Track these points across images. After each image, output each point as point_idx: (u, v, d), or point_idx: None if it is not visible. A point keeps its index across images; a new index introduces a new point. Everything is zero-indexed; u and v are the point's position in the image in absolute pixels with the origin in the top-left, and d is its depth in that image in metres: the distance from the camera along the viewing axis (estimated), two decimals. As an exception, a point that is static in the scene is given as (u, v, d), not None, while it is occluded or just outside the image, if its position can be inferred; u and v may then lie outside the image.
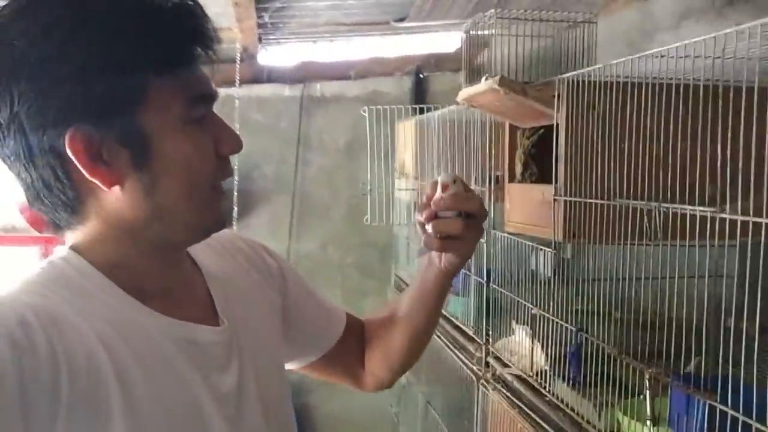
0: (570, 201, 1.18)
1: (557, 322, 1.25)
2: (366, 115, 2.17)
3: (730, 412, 0.79)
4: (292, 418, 0.79)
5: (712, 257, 0.90)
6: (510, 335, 1.52)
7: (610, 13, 2.23)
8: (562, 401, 1.23)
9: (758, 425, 0.75)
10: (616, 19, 2.20)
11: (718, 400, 0.81)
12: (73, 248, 0.64)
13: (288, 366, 0.88)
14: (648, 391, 0.94)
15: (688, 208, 0.84)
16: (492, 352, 1.60)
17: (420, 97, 3.02)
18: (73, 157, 0.58)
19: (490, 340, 1.62)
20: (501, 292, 1.54)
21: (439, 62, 3.09)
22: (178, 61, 0.61)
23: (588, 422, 1.13)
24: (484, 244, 1.63)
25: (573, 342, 1.19)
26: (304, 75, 3.06)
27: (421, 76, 3.12)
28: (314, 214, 3.10)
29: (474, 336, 1.71)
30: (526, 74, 1.52)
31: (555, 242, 1.25)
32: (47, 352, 0.52)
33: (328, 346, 0.90)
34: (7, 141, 0.59)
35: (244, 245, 0.84)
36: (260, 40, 2.63)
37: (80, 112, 0.58)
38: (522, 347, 1.44)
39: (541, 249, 1.33)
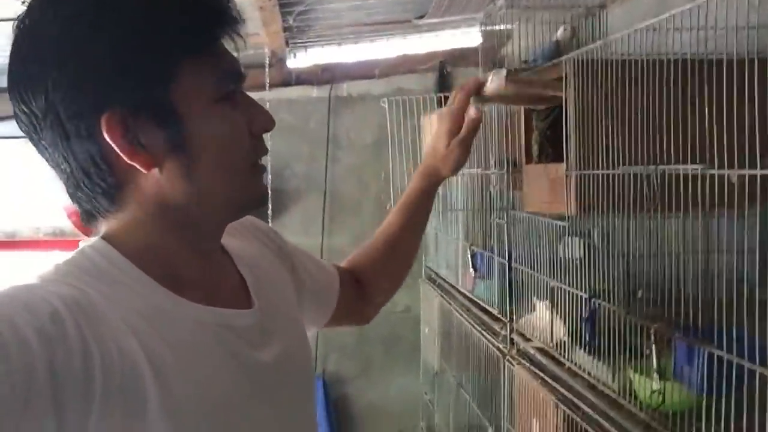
0: (580, 174, 1.24)
1: (573, 292, 1.30)
2: (386, 107, 2.25)
3: (726, 357, 0.84)
4: (315, 394, 0.83)
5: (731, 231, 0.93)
6: (532, 312, 1.58)
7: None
8: (580, 368, 1.28)
9: (752, 366, 0.80)
10: (634, 4, 2.24)
11: (716, 346, 0.86)
12: (104, 237, 0.63)
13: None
14: (654, 346, 0.99)
15: (681, 168, 0.89)
16: (516, 329, 1.65)
17: (444, 91, 3.08)
18: (111, 142, 0.58)
19: (514, 318, 1.67)
20: (522, 270, 1.60)
21: (463, 57, 3.13)
22: (205, 38, 0.61)
23: (604, 384, 1.18)
24: (505, 225, 1.68)
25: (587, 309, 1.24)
26: (332, 76, 3.15)
27: (446, 71, 3.18)
28: (345, 210, 3.19)
29: (499, 316, 1.77)
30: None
31: (568, 216, 1.31)
32: (79, 344, 0.52)
33: (334, 305, 0.94)
34: (45, 132, 0.59)
35: (259, 227, 0.86)
36: (287, 44, 2.73)
37: (114, 95, 0.58)
38: (543, 321, 1.49)
39: (569, 236, 1.36)
